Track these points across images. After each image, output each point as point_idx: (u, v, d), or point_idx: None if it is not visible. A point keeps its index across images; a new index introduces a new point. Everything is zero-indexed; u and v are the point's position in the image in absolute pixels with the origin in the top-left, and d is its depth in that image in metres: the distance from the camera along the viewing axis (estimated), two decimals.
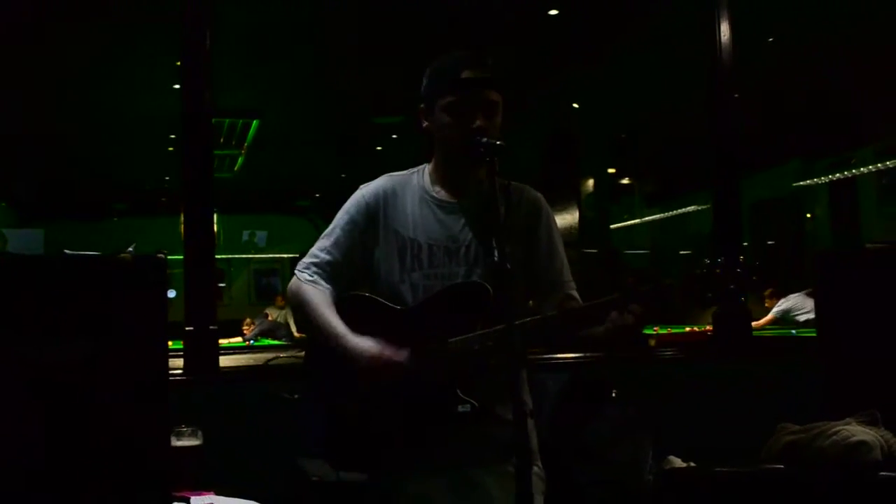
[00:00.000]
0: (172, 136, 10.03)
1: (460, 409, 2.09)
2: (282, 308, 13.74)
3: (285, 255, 17.49)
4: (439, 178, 2.34)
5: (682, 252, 15.28)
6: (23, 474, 1.86)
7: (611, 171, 13.39)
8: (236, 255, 17.30)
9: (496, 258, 1.94)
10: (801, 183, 12.44)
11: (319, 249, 2.33)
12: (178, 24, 3.97)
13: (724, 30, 4.56)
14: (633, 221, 15.84)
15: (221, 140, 10.24)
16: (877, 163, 10.85)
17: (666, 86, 8.50)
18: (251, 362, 4.71)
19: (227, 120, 9.62)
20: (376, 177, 2.42)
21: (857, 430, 2.28)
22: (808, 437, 2.34)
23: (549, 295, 2.30)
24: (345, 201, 2.40)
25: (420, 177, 2.37)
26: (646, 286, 2.06)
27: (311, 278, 2.30)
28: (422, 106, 2.33)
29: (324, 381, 2.30)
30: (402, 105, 9.36)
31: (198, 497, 2.16)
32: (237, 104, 8.91)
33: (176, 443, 2.32)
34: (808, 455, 2.30)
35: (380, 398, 2.18)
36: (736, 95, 4.70)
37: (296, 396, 2.35)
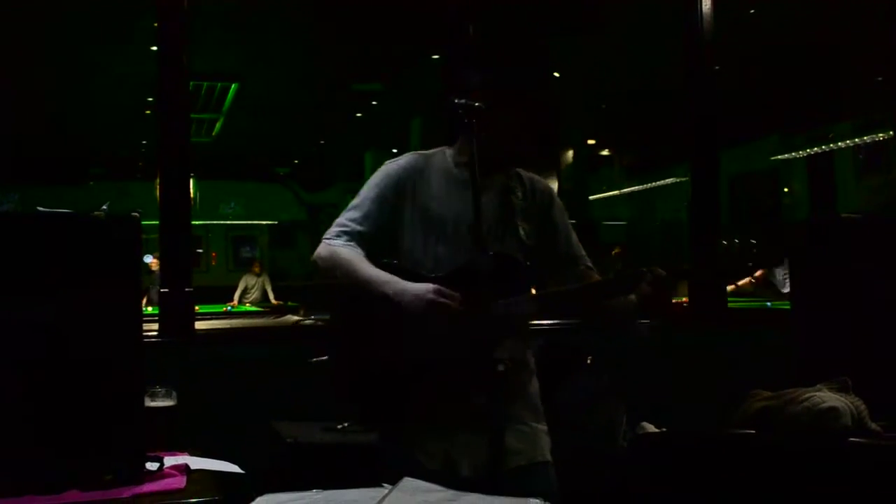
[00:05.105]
0: (150, 100, 9.94)
1: (500, 367, 2.15)
2: (258, 275, 13.70)
3: (263, 222, 17.43)
4: (467, 162, 2.36)
5: (657, 224, 15.37)
6: None
7: (590, 142, 13.39)
8: (214, 222, 17.23)
9: (519, 235, 2.21)
10: (780, 157, 12.50)
11: (349, 220, 2.37)
12: None
13: (706, 0, 4.56)
14: (611, 193, 15.88)
15: (199, 104, 10.15)
16: (854, 137, 10.92)
17: (647, 56, 8.50)
18: (227, 326, 4.71)
19: (206, 83, 9.53)
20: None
21: (827, 397, 2.29)
22: (780, 403, 2.35)
23: (570, 268, 2.49)
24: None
25: (443, 157, 2.45)
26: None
27: (346, 243, 2.35)
28: (481, 103, 2.21)
29: (358, 339, 2.34)
30: (381, 72, 9.36)
31: (171, 457, 2.16)
32: (216, 67, 8.84)
33: (150, 403, 2.32)
34: (780, 421, 2.32)
35: (420, 353, 2.24)
36: (716, 68, 4.71)
37: (325, 358, 2.37)
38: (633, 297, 2.22)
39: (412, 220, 2.36)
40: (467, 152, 2.34)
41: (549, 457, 2.37)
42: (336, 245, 2.35)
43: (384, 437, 2.40)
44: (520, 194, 2.42)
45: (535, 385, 2.44)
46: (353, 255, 2.33)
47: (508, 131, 2.32)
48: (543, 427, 2.41)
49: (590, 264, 2.51)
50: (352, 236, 2.35)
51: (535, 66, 2.46)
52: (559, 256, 2.49)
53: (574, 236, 2.54)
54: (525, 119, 2.32)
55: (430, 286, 2.22)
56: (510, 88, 2.34)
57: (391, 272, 2.31)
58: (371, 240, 2.36)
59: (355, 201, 2.41)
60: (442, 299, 2.19)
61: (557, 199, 2.55)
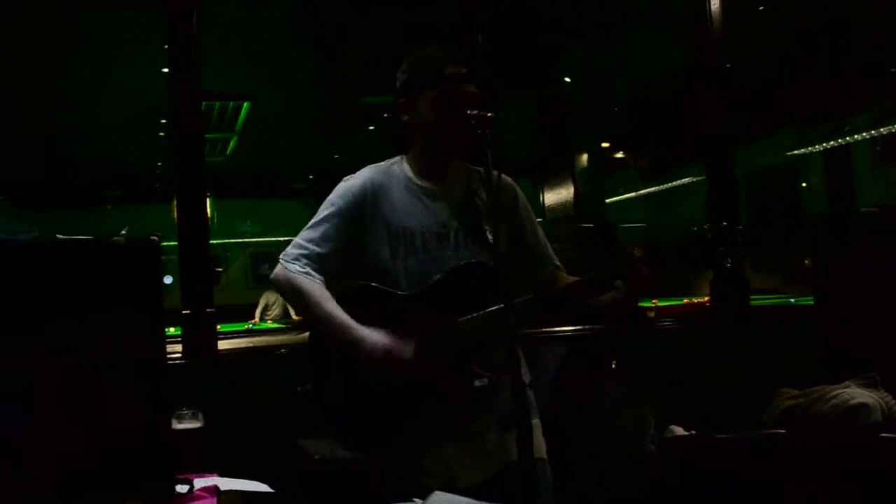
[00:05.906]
0: (164, 121, 9.98)
1: (477, 383, 2.16)
2: None
3: (282, 238, 17.47)
4: (420, 168, 2.38)
5: (677, 224, 15.31)
6: (23, 462, 1.86)
7: (605, 145, 13.36)
8: (232, 240, 17.28)
9: (491, 240, 2.09)
10: (796, 151, 12.44)
11: (307, 241, 2.33)
12: (165, 7, 3.95)
13: None
14: (627, 195, 15.84)
15: (212, 124, 10.18)
16: (871, 129, 10.84)
17: (658, 57, 8.47)
18: (250, 345, 4.71)
19: (218, 103, 9.55)
20: (369, 156, 2.45)
21: (856, 393, 2.28)
22: (808, 401, 2.34)
23: (539, 268, 2.43)
24: (339, 182, 2.41)
25: (400, 167, 2.40)
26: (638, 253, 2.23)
27: (303, 269, 2.30)
28: (401, 100, 2.38)
29: (335, 366, 2.30)
30: (392, 85, 9.33)
31: (201, 478, 2.16)
32: (228, 87, 8.86)
33: (177, 426, 2.32)
34: (809, 419, 2.31)
35: (397, 380, 2.21)
36: (728, 65, 4.69)
37: (308, 386, 2.34)
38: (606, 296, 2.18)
39: (377, 236, 2.31)
40: (422, 161, 2.37)
41: (544, 454, 2.33)
42: (294, 272, 2.30)
43: (379, 461, 2.36)
44: (483, 195, 2.33)
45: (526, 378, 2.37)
46: (312, 287, 2.28)
47: (438, 121, 2.27)
48: (536, 422, 2.35)
49: (558, 263, 2.45)
50: (310, 258, 2.30)
51: (446, 46, 2.39)
52: (528, 257, 2.42)
53: (541, 233, 2.47)
54: (449, 103, 2.24)
55: (383, 343, 2.18)
56: (425, 72, 2.31)
57: (365, 296, 2.28)
58: (331, 259, 2.32)
59: (314, 220, 2.36)
60: (392, 358, 2.17)
61: (521, 195, 2.47)
